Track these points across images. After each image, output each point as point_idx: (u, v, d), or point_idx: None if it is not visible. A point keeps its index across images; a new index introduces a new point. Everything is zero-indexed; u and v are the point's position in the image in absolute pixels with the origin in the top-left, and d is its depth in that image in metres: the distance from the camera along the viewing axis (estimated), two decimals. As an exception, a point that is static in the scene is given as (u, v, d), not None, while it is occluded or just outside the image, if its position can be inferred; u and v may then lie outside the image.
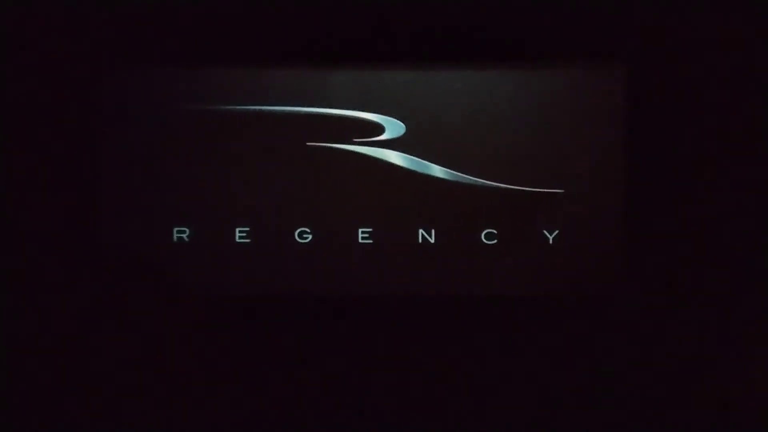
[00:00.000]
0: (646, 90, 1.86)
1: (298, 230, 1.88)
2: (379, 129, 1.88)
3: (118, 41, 1.88)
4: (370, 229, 1.88)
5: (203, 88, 1.87)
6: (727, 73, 1.86)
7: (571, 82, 1.86)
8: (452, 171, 1.87)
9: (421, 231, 1.88)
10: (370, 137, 1.88)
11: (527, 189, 1.86)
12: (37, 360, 1.86)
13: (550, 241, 1.86)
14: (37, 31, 1.87)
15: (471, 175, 1.87)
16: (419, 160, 1.88)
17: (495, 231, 1.87)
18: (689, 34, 1.86)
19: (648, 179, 1.86)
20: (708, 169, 1.86)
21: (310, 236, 1.88)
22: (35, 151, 1.87)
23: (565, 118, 1.86)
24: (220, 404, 1.86)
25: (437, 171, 1.87)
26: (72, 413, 1.85)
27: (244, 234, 1.88)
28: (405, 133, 1.88)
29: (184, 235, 1.88)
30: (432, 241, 1.88)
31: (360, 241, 1.88)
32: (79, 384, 1.86)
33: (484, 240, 1.87)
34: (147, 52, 1.88)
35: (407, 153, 1.88)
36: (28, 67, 1.87)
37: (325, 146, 1.87)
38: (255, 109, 1.88)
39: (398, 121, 1.88)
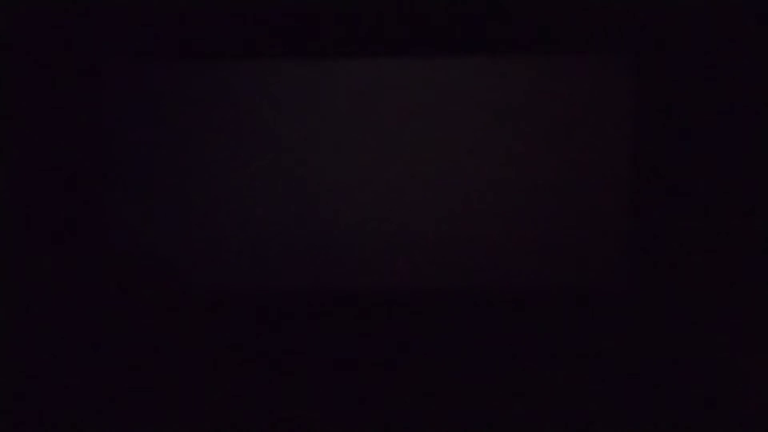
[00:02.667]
0: (653, 80, 1.85)
1: (303, 224, 1.88)
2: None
3: (120, 36, 1.87)
4: (375, 221, 1.88)
5: (207, 82, 1.86)
6: (735, 64, 1.85)
7: (578, 72, 1.85)
8: (455, 160, 1.87)
9: (424, 223, 1.88)
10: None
11: (531, 178, 1.86)
12: (42, 356, 1.87)
13: (554, 233, 1.86)
14: (40, 26, 1.86)
15: (474, 165, 1.86)
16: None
17: (500, 222, 1.87)
18: (697, 24, 1.84)
19: (654, 170, 1.86)
20: (715, 160, 1.86)
21: (314, 230, 1.88)
22: (40, 148, 1.87)
23: (570, 108, 1.85)
24: (226, 401, 1.88)
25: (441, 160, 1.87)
26: (78, 410, 1.86)
27: (251, 229, 1.88)
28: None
29: (190, 230, 1.88)
30: (435, 233, 1.87)
31: (364, 233, 1.88)
32: (83, 380, 1.87)
33: (489, 232, 1.87)
34: (150, 46, 1.87)
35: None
36: (32, 62, 1.86)
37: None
38: (257, 101, 1.87)
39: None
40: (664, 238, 1.86)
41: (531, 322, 1.88)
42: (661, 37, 1.85)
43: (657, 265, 1.87)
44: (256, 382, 1.88)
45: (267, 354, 1.89)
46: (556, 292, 1.87)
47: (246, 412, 1.85)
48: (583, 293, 1.87)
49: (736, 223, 1.85)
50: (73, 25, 1.85)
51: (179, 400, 1.86)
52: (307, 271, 1.88)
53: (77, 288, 1.88)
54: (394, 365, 1.88)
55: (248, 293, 1.89)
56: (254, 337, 1.89)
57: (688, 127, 1.86)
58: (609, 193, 1.85)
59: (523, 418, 1.84)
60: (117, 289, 1.87)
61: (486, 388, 1.86)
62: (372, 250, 1.88)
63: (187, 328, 1.88)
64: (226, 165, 1.87)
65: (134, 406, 1.85)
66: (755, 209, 1.84)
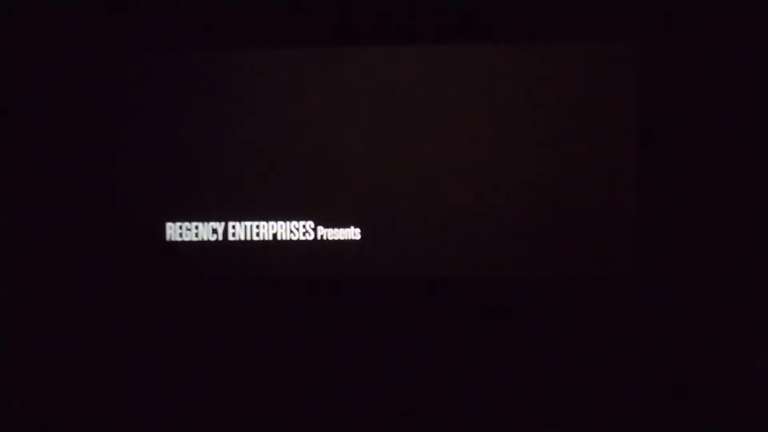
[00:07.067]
0: (659, 66, 1.82)
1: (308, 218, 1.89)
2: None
3: (124, 26, 1.85)
4: (379, 213, 1.87)
5: (212, 71, 1.85)
6: (743, 51, 1.81)
7: (581, 58, 1.81)
8: (458, 150, 1.85)
9: (433, 211, 1.87)
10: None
11: (537, 168, 1.84)
12: (45, 345, 1.90)
13: (562, 223, 1.85)
14: (42, 17, 1.85)
15: (477, 155, 1.85)
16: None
17: (507, 211, 1.86)
18: (703, 10, 1.80)
19: (661, 157, 1.84)
20: (722, 148, 1.84)
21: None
22: (46, 140, 1.88)
23: (575, 95, 1.83)
24: (231, 391, 1.91)
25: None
26: (79, 401, 1.89)
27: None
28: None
29: (192, 225, 1.89)
30: (443, 221, 1.86)
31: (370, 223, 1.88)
32: (88, 370, 1.90)
33: (496, 221, 1.86)
34: (155, 36, 1.86)
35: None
36: (34, 54, 1.86)
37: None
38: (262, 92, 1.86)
39: None
40: (671, 229, 1.86)
41: (534, 315, 1.89)
42: (667, 20, 1.81)
43: (664, 256, 1.86)
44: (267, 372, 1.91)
45: (274, 343, 1.91)
46: (560, 284, 1.87)
47: (248, 401, 1.89)
48: (588, 285, 1.87)
49: (744, 213, 1.84)
50: (72, 14, 1.84)
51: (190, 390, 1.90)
52: (314, 261, 1.89)
53: (84, 279, 1.90)
54: (404, 356, 1.90)
55: (256, 282, 1.90)
56: (258, 323, 1.92)
57: (696, 110, 1.83)
58: (614, 184, 1.84)
59: (528, 409, 1.87)
60: (125, 279, 1.89)
61: (492, 380, 1.89)
62: (378, 240, 1.88)
63: (198, 316, 1.90)
64: (233, 155, 1.87)
65: (145, 394, 1.89)
66: (763, 199, 1.83)
